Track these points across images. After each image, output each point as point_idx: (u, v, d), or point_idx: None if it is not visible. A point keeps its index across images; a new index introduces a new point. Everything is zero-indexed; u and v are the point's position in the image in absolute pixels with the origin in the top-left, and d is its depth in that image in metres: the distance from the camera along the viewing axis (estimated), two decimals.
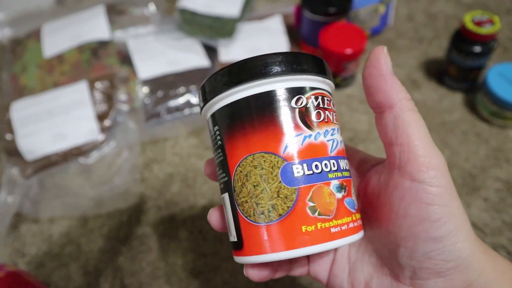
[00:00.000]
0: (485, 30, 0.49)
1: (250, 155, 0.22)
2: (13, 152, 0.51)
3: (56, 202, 0.49)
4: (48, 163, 0.51)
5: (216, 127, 0.24)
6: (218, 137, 0.24)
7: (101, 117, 0.53)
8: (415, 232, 0.21)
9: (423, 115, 0.54)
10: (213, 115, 0.24)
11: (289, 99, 0.22)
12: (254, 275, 0.25)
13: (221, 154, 0.24)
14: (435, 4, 0.70)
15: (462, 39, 0.51)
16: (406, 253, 0.22)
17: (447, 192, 0.21)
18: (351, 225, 0.22)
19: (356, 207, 0.23)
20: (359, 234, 0.23)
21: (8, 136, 0.51)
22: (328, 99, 0.24)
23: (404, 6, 0.70)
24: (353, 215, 0.23)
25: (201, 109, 0.25)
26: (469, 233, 0.21)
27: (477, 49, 0.50)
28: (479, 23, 0.50)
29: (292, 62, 0.22)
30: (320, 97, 0.23)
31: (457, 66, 0.53)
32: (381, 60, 0.22)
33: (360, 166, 0.28)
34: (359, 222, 0.23)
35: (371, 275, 0.25)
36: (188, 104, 0.55)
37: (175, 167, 0.51)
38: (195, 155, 0.52)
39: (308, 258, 0.28)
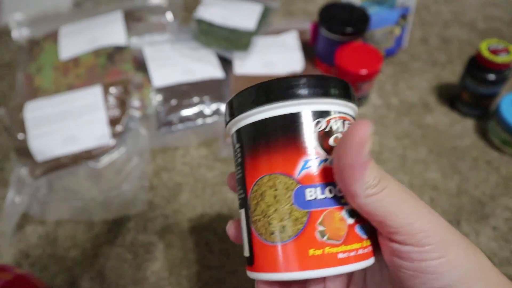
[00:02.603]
0: (501, 58, 0.49)
1: (266, 175, 0.22)
2: (24, 152, 0.51)
3: (63, 205, 0.49)
4: (57, 165, 0.51)
5: (238, 144, 0.24)
6: (239, 154, 0.24)
7: (113, 122, 0.53)
8: (415, 285, 0.21)
9: (435, 139, 0.54)
10: (238, 131, 0.24)
11: (312, 122, 0.22)
12: None
13: (240, 171, 0.24)
14: (449, 29, 0.70)
15: (477, 66, 0.52)
16: None
17: (441, 245, 0.20)
18: (360, 251, 0.22)
19: (367, 234, 0.23)
20: (368, 261, 0.23)
21: (20, 136, 0.51)
22: (349, 122, 0.24)
23: (419, 29, 0.70)
24: (364, 242, 0.22)
25: (226, 124, 0.25)
26: (486, 282, 0.21)
27: (492, 77, 0.51)
28: (495, 52, 0.50)
29: (321, 86, 0.22)
30: (340, 121, 0.23)
31: (471, 93, 0.53)
32: (356, 146, 0.19)
33: None
34: (370, 248, 0.23)
35: None
36: (201, 114, 0.55)
37: (184, 177, 0.51)
38: (205, 165, 0.52)
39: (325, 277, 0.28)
